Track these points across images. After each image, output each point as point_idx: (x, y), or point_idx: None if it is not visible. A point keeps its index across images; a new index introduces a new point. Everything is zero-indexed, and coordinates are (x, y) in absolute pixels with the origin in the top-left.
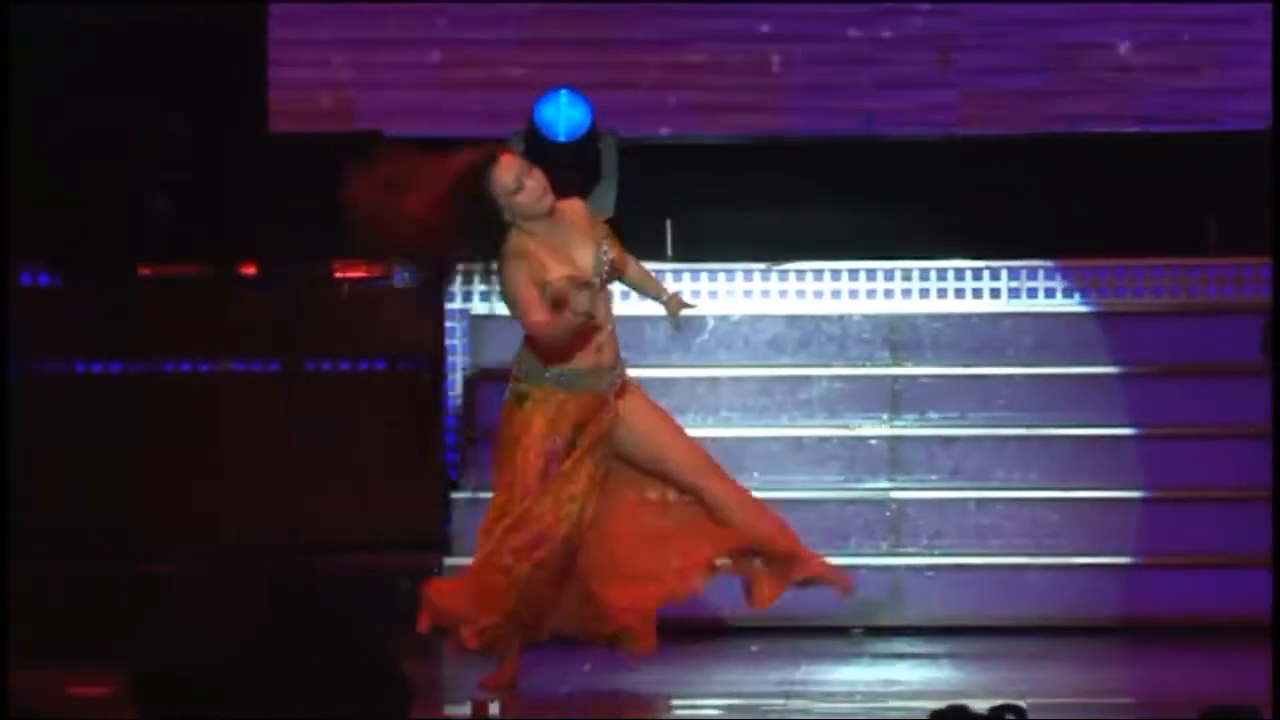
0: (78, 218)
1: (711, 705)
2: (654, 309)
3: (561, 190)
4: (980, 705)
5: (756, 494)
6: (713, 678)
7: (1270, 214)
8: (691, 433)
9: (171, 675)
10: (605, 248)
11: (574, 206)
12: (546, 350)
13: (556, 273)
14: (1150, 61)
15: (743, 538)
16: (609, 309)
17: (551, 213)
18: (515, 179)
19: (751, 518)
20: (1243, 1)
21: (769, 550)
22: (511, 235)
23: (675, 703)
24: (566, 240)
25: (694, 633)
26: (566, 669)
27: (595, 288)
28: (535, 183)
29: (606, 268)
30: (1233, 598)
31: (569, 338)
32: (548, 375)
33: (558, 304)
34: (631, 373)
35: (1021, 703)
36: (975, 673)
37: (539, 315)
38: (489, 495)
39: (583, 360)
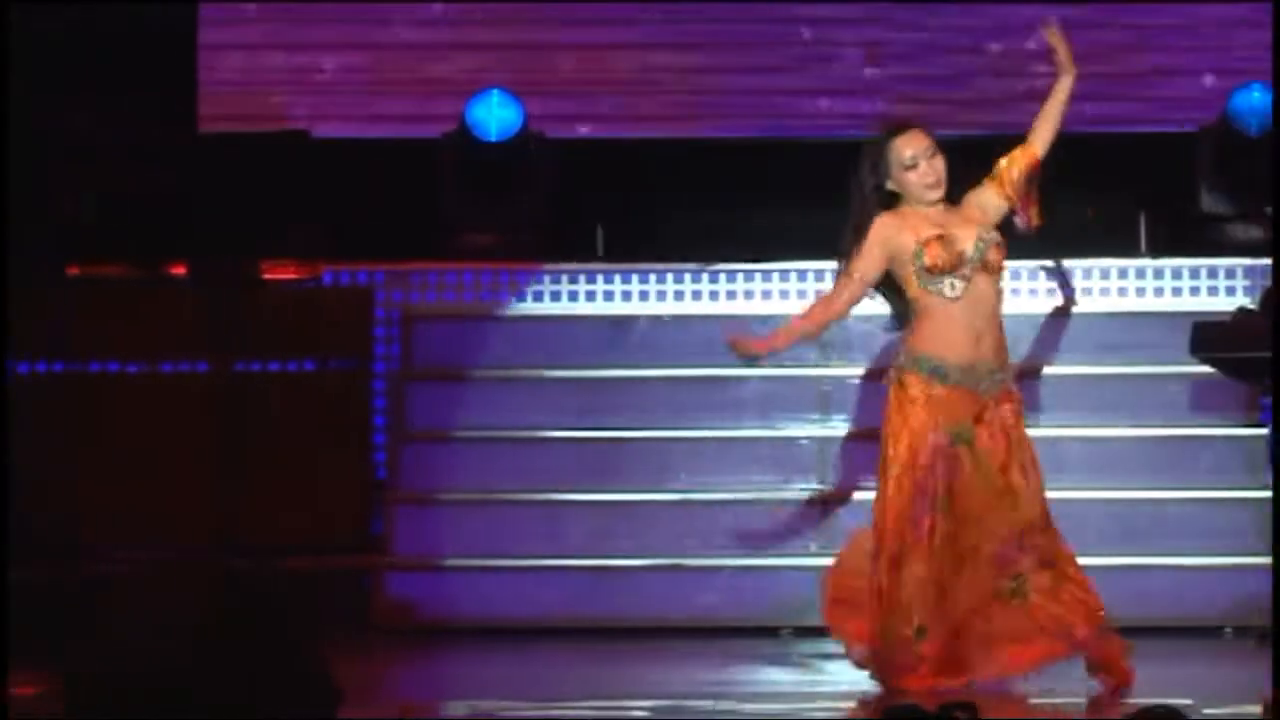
0: (3, 218)
1: (639, 706)
2: (584, 309)
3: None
4: (924, 704)
5: (686, 495)
6: (641, 678)
7: (1270, 214)
8: (622, 434)
9: (103, 676)
10: (988, 238)
11: (969, 199)
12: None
13: (928, 235)
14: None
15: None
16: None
17: (938, 203)
18: (913, 156)
19: None
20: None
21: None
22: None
23: (603, 703)
24: (948, 221)
25: (623, 633)
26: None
27: (967, 272)
28: (931, 169)
29: (982, 257)
30: (1158, 597)
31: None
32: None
33: (931, 271)
34: (563, 373)
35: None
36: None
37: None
38: (416, 496)
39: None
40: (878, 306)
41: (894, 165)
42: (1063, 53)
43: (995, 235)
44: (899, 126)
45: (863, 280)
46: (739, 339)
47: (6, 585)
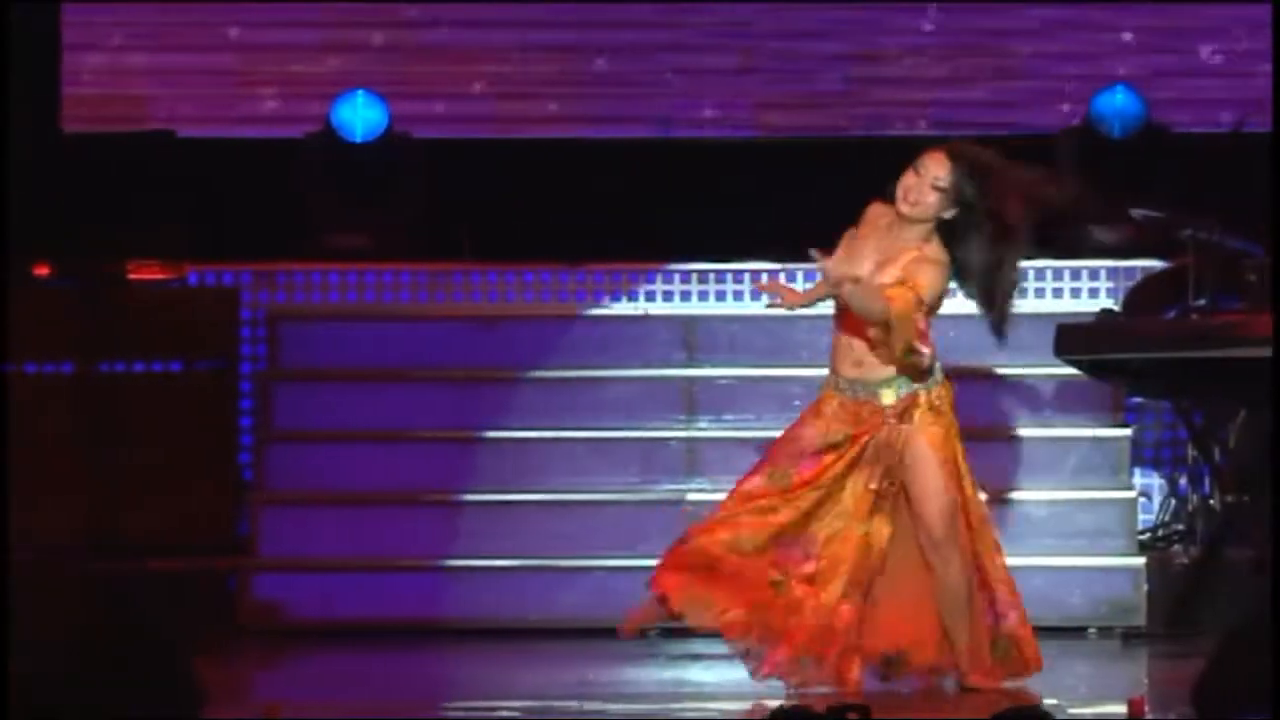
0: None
1: (507, 706)
2: (451, 309)
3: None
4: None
5: (555, 496)
6: (509, 678)
7: (1270, 214)
8: (492, 435)
9: None
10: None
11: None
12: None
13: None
14: (950, 67)
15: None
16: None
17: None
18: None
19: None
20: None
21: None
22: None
23: (471, 703)
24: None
25: (491, 633)
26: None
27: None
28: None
29: None
30: (1030, 596)
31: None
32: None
33: None
34: (430, 372)
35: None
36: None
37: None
38: (282, 497)
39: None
40: (745, 308)
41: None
42: (802, 296)
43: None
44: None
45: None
46: (774, 284)
47: (6, 586)
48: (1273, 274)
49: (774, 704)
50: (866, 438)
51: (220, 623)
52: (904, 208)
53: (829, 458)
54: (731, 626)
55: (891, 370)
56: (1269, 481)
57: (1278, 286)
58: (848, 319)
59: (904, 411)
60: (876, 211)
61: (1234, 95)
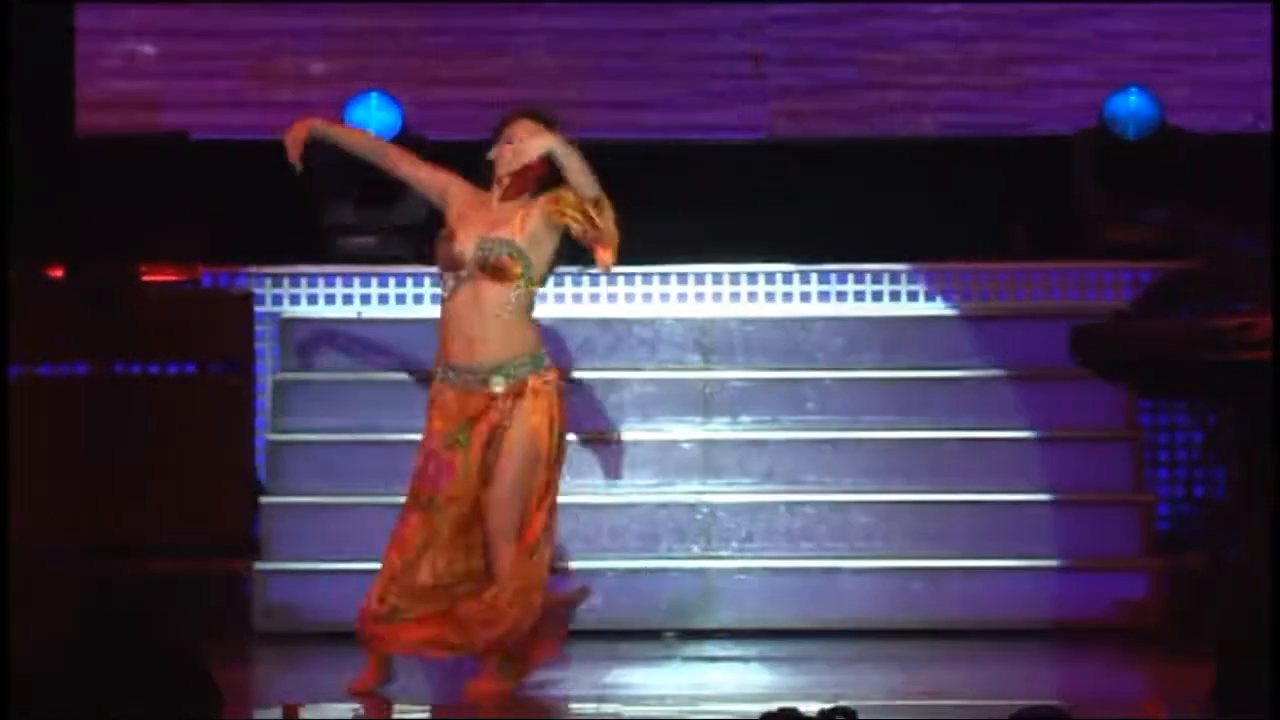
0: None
1: (524, 707)
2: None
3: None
4: (802, 708)
5: (569, 498)
6: (525, 680)
7: (1270, 215)
8: None
9: None
10: (502, 247)
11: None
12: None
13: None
14: (960, 65)
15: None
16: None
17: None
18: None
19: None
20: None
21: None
22: None
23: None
24: (485, 216)
25: None
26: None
27: (463, 274)
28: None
29: (486, 262)
30: (1041, 601)
31: None
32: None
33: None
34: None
35: (841, 704)
36: (787, 676)
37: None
38: (297, 499)
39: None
40: (759, 309)
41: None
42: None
43: (515, 245)
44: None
45: (407, 170)
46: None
47: (6, 586)
48: (1273, 274)
49: (801, 706)
50: (484, 427)
51: (236, 625)
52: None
53: (459, 459)
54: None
55: (504, 356)
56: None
57: (1278, 286)
58: (460, 306)
59: (515, 396)
60: (461, 187)
61: (1250, 96)
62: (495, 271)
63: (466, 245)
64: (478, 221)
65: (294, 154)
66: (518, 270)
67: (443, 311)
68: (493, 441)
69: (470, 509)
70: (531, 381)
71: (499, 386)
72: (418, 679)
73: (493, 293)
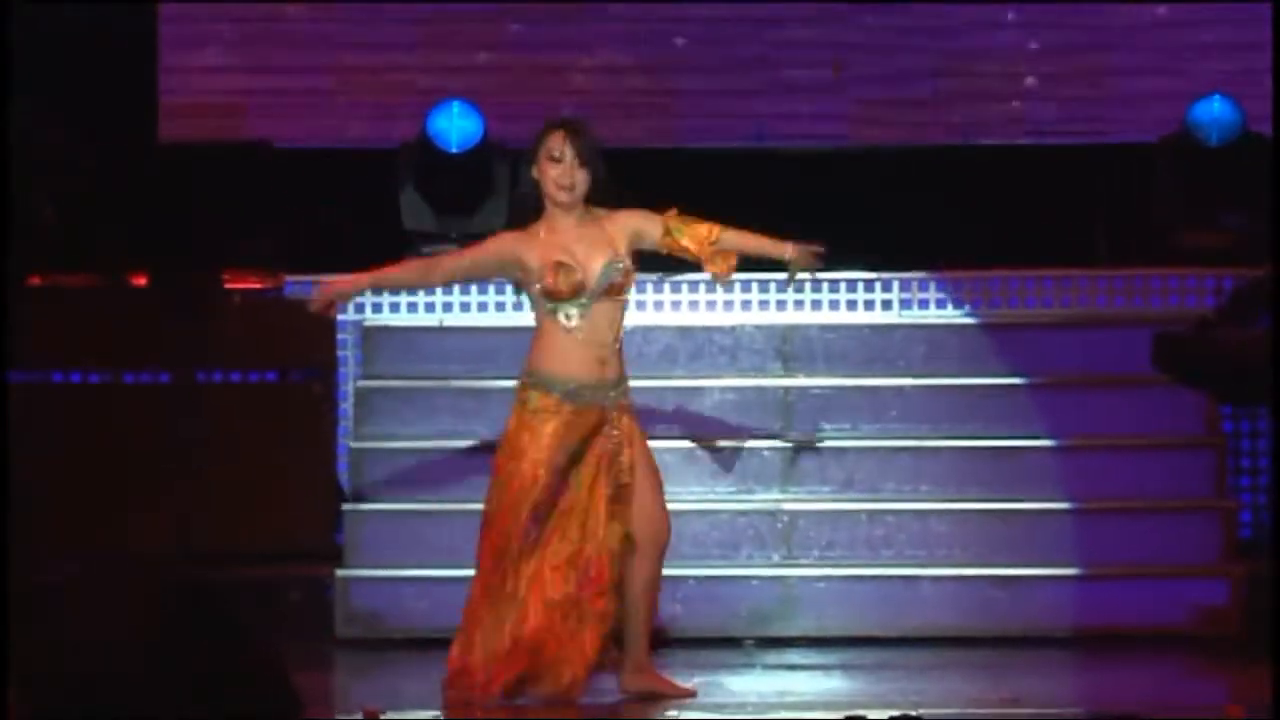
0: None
1: (599, 712)
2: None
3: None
4: (875, 715)
5: None
6: (603, 687)
7: (1269, 217)
8: None
9: (66, 684)
10: (611, 263)
11: (620, 218)
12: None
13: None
14: (1042, 73)
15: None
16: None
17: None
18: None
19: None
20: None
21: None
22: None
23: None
24: (578, 239)
25: None
26: None
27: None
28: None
29: (609, 282)
30: (1121, 608)
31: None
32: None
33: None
34: (516, 384)
35: (915, 713)
36: (867, 683)
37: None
38: (379, 506)
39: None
40: (840, 316)
41: (540, 154)
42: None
43: (626, 263)
44: (555, 122)
45: (465, 266)
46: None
47: (6, 587)
48: (1273, 277)
49: (873, 714)
50: (602, 442)
51: (317, 631)
52: (566, 195)
53: (573, 473)
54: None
55: (621, 372)
56: None
57: (1278, 289)
58: (588, 329)
59: (624, 411)
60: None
61: None
62: (615, 291)
63: (589, 273)
64: (577, 249)
65: (326, 310)
66: (630, 283)
67: (561, 337)
68: (606, 459)
69: (576, 522)
70: (628, 396)
71: (618, 401)
72: None
73: (612, 312)
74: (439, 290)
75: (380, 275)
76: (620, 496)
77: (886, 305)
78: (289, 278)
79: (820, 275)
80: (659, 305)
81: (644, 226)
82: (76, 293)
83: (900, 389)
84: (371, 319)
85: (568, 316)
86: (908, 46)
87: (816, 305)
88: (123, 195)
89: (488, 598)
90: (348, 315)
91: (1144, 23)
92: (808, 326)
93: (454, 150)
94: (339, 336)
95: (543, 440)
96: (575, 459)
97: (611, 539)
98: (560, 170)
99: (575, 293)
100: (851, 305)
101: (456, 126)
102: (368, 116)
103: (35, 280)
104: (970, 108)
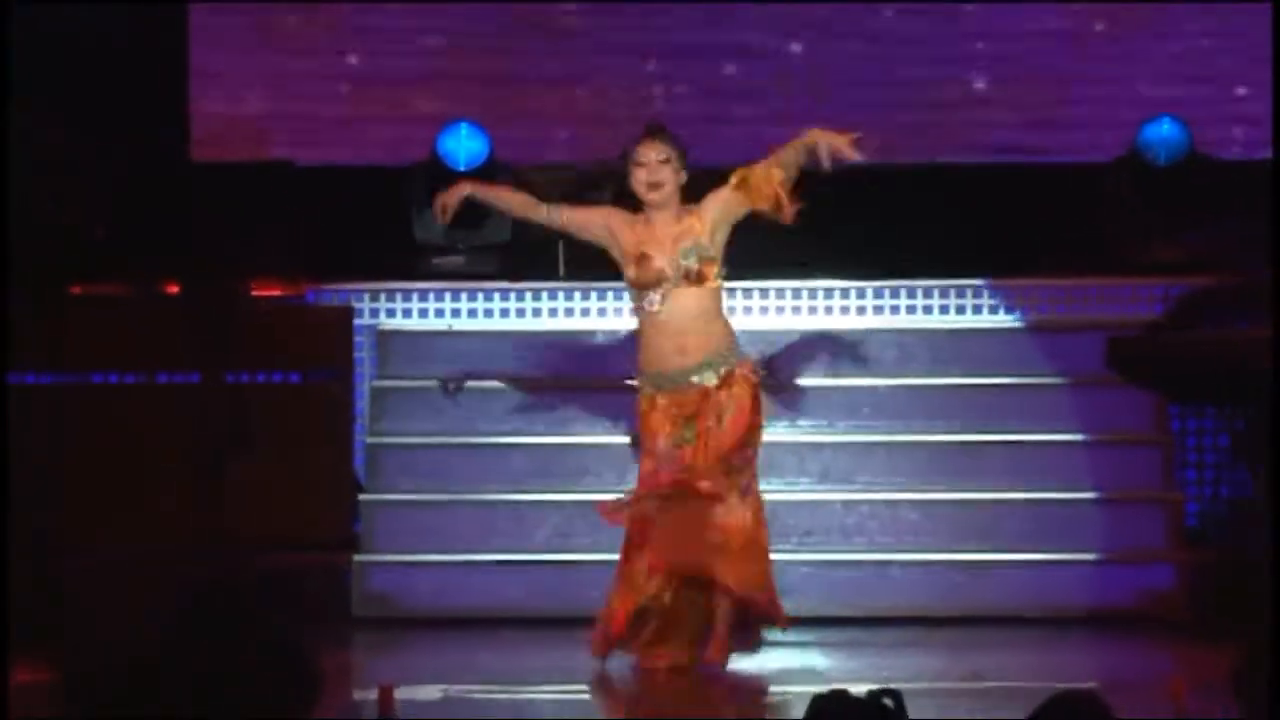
0: (14, 240)
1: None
2: (546, 324)
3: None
4: (853, 690)
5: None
6: (597, 663)
7: (1269, 220)
8: (582, 439)
9: (101, 663)
10: (689, 250)
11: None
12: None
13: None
14: (1004, 99)
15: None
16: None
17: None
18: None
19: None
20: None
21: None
22: None
23: (563, 686)
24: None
25: (582, 622)
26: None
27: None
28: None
29: (687, 269)
30: (1076, 591)
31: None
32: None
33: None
34: (520, 383)
35: (896, 686)
36: (842, 660)
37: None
38: (393, 497)
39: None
40: (818, 322)
41: (629, 161)
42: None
43: (706, 249)
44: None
45: (565, 220)
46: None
47: (7, 585)
48: (1273, 282)
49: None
50: (706, 421)
51: (336, 612)
52: (655, 194)
53: (686, 453)
54: None
55: (712, 352)
56: None
57: (1278, 294)
58: (668, 315)
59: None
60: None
61: (1271, 124)
62: (697, 278)
63: (666, 260)
64: (663, 237)
65: (446, 216)
66: (713, 271)
67: (644, 324)
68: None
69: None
70: (737, 370)
71: (712, 380)
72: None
73: (695, 297)
74: (447, 297)
75: (492, 191)
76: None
77: (860, 311)
78: (309, 286)
79: (799, 284)
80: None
81: (720, 204)
82: (114, 300)
83: (873, 388)
84: (386, 324)
85: (650, 302)
86: (884, 80)
87: (796, 311)
88: (158, 211)
89: (623, 569)
90: (363, 320)
91: (1097, 53)
92: (787, 331)
93: (462, 168)
94: (356, 340)
95: (650, 429)
96: (685, 440)
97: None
98: (645, 172)
99: (657, 281)
100: (828, 311)
101: (464, 147)
102: (382, 138)
103: (77, 289)
104: (939, 131)
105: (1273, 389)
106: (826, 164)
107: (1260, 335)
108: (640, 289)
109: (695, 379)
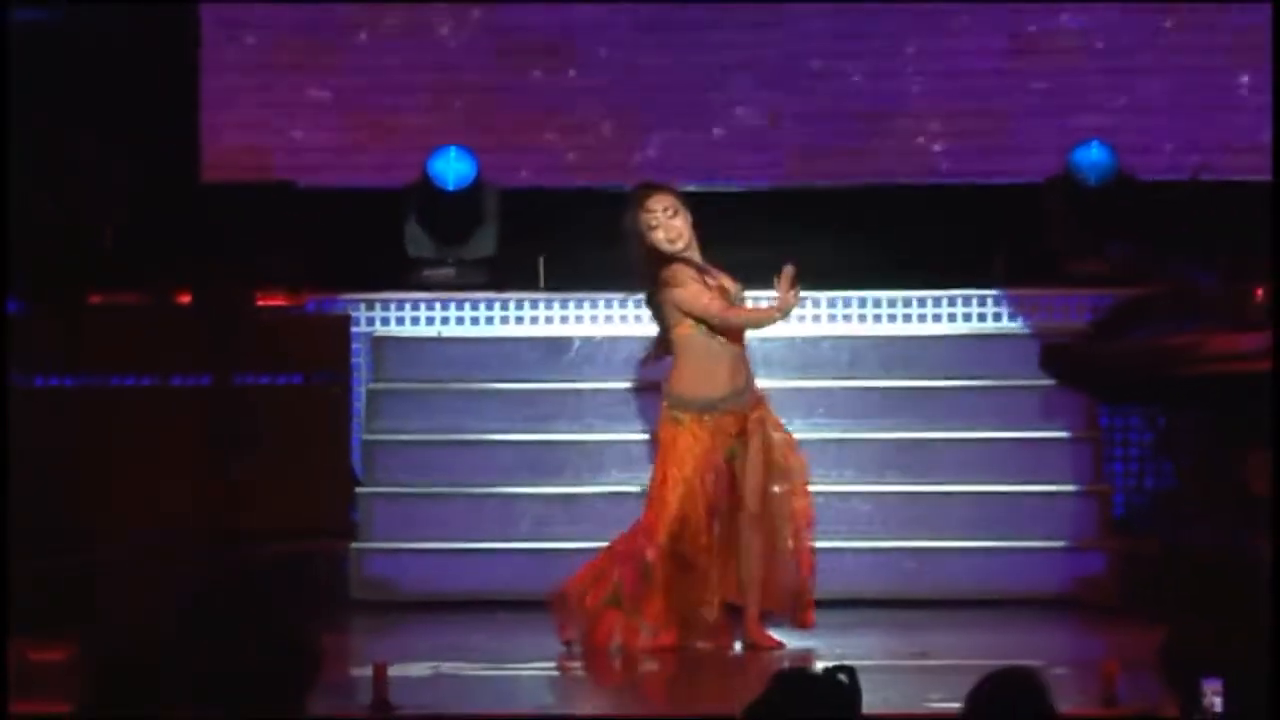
0: (38, 252)
1: (575, 665)
2: (528, 330)
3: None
4: (809, 667)
5: (616, 488)
6: (542, 643)
7: (1269, 223)
8: (560, 437)
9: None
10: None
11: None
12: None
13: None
14: (946, 127)
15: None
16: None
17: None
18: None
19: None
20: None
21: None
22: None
23: (545, 663)
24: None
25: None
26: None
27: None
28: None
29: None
30: (1015, 576)
31: None
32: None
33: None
34: (510, 386)
35: (850, 663)
36: (799, 640)
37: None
38: (387, 490)
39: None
40: (776, 329)
41: (641, 224)
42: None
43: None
44: (645, 187)
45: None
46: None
47: (7, 583)
48: (1273, 290)
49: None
50: (751, 440)
51: (335, 596)
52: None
53: (736, 467)
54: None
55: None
56: (1222, 476)
57: (1278, 302)
58: (720, 346)
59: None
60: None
61: (1195, 147)
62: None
63: (732, 286)
64: (710, 280)
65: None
66: None
67: (700, 351)
68: (765, 448)
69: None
70: (760, 393)
71: (751, 402)
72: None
73: (736, 331)
74: (437, 306)
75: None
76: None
77: (815, 319)
78: (310, 296)
79: (759, 293)
80: (624, 319)
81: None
82: (130, 309)
83: (827, 390)
84: (380, 330)
85: (700, 332)
86: (835, 111)
87: None
88: (171, 227)
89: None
90: (360, 328)
91: (1032, 87)
92: (749, 337)
93: (451, 188)
94: (353, 345)
95: (695, 452)
96: (734, 455)
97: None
98: (662, 232)
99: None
100: (786, 319)
101: (453, 168)
102: (377, 161)
103: (95, 298)
104: (888, 154)
105: (1273, 391)
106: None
107: (1182, 342)
108: (699, 321)
109: (744, 403)
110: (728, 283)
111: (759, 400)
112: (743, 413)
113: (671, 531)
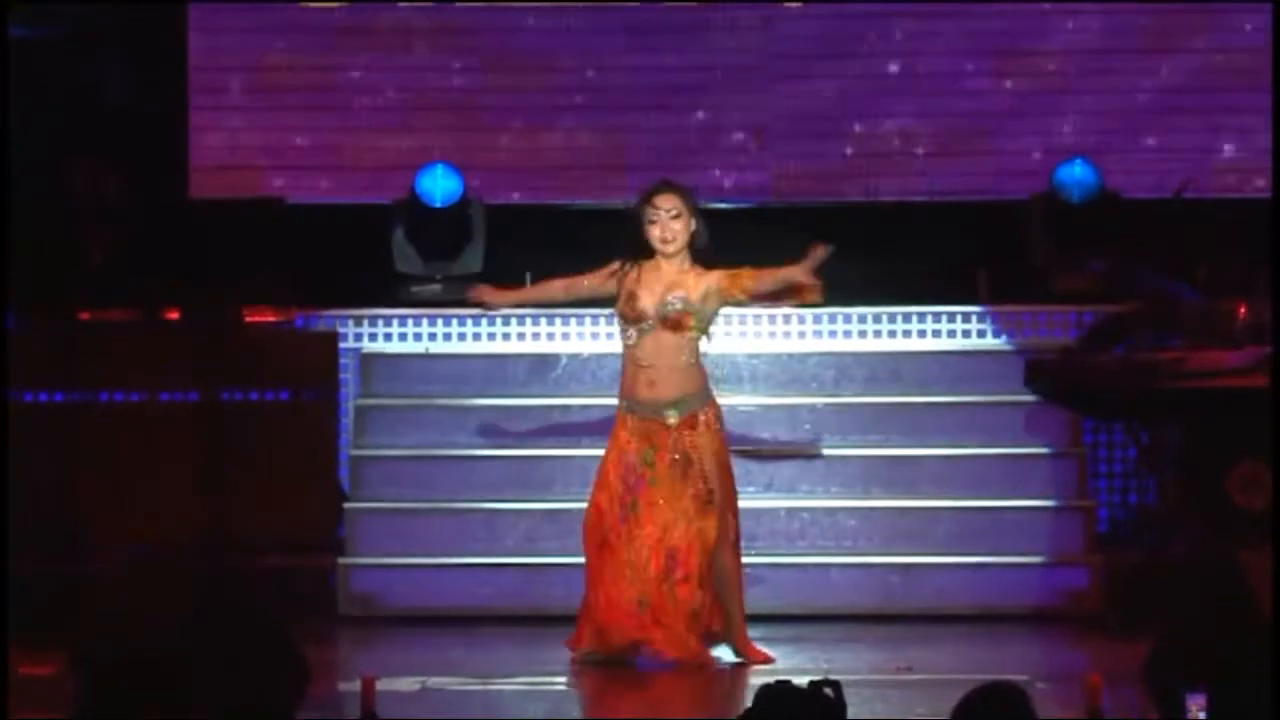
0: (30, 270)
1: (559, 680)
2: (514, 347)
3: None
4: (796, 681)
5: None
6: (563, 657)
7: (1269, 226)
8: (549, 452)
9: (108, 657)
10: (672, 299)
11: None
12: None
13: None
14: (933, 147)
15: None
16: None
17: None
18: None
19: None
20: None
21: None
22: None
23: (531, 679)
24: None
25: (548, 620)
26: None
27: (645, 326)
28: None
29: (665, 315)
30: (1000, 590)
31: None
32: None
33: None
34: (497, 402)
35: (836, 678)
36: (786, 654)
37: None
38: (375, 505)
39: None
40: (763, 345)
41: (643, 216)
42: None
43: (690, 303)
44: (663, 183)
45: (587, 287)
46: (481, 291)
47: (6, 585)
48: (1273, 299)
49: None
50: (666, 455)
51: (322, 611)
52: (669, 248)
53: (648, 473)
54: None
55: (678, 394)
56: (1206, 490)
57: (1278, 311)
58: (643, 351)
59: (689, 427)
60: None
61: (1177, 167)
62: (673, 324)
63: (649, 303)
64: (655, 283)
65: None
66: (690, 323)
67: (627, 355)
68: (678, 467)
69: (649, 514)
70: (701, 415)
71: (673, 419)
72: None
73: (670, 341)
74: (425, 323)
75: (513, 295)
76: (708, 499)
77: (801, 335)
78: (298, 312)
79: (745, 310)
80: (610, 335)
81: (714, 281)
82: (119, 325)
83: (813, 406)
84: (368, 347)
85: (628, 336)
86: (822, 131)
87: (743, 335)
88: (159, 243)
89: (591, 570)
90: (348, 344)
91: (1017, 106)
92: (735, 354)
93: (438, 205)
94: (341, 361)
95: (617, 443)
96: (647, 461)
97: (700, 536)
98: (659, 228)
99: (638, 319)
100: (772, 335)
101: (440, 185)
102: (365, 178)
103: (85, 315)
104: (875, 172)
105: (1273, 405)
106: (791, 300)
107: (1165, 357)
108: (624, 323)
109: (663, 413)
110: (654, 299)
111: (694, 423)
112: (662, 425)
113: (588, 519)
